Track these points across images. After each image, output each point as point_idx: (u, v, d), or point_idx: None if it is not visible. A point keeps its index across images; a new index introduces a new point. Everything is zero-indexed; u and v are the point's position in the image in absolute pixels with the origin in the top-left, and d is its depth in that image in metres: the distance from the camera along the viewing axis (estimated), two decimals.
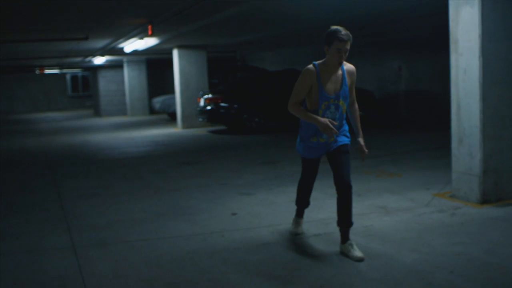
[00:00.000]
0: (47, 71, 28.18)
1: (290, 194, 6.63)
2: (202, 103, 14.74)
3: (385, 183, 7.11)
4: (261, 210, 6.01)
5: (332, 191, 4.85)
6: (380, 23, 12.59)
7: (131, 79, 23.34)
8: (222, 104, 14.26)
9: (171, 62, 19.03)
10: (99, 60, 21.75)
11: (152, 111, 22.56)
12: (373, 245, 4.62)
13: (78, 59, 21.28)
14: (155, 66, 24.61)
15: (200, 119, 15.09)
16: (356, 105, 4.66)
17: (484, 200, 5.76)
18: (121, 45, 15.53)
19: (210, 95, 14.46)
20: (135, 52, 18.38)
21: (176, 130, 16.17)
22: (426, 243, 4.58)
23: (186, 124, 16.41)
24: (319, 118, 4.26)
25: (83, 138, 15.01)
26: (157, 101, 20.54)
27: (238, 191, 6.99)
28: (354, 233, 4.94)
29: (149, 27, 10.75)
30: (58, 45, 14.09)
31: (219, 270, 4.22)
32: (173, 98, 18.64)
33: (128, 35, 13.21)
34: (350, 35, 4.21)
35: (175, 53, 16.45)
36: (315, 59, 4.57)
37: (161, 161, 10.03)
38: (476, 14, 5.60)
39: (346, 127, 4.59)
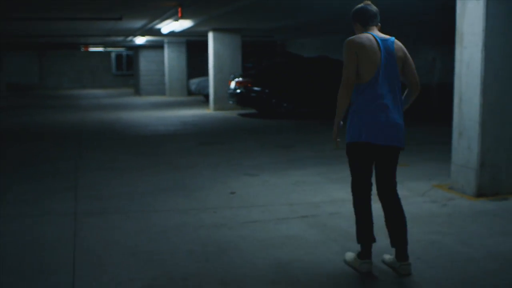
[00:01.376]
0: (92, 49, 28.90)
1: (292, 177, 6.81)
2: (232, 86, 14.97)
3: None
4: (259, 190, 6.20)
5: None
6: (415, 13, 12.51)
7: (171, 60, 23.77)
8: (252, 88, 14.46)
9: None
10: (140, 40, 22.23)
11: (189, 92, 22.96)
12: (351, 229, 4.76)
13: (120, 38, 21.81)
14: (195, 48, 24.93)
15: (230, 102, 15.34)
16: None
17: (480, 193, 5.79)
18: (158, 26, 15.89)
19: (240, 78, 14.68)
20: (174, 34, 18.74)
21: (208, 112, 16.47)
22: None
23: (218, 106, 16.69)
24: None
25: (117, 116, 15.47)
26: (193, 83, 20.89)
27: (245, 172, 7.20)
28: (338, 217, 5.10)
29: (179, 9, 11.01)
30: (98, 24, 14.52)
31: (200, 242, 4.46)
32: (207, 80, 18.94)
33: (162, 17, 13.52)
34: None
35: (210, 35, 16.71)
36: None
37: (184, 140, 10.32)
38: (480, 8, 5.61)
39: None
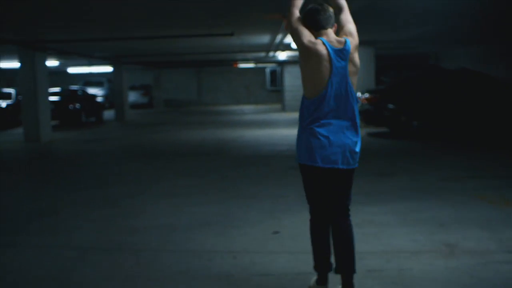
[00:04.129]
0: (241, 65, 29.27)
1: (360, 215, 5.71)
2: (359, 103, 13.85)
3: (492, 212, 5.75)
4: (307, 230, 5.22)
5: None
6: None
7: None
8: (380, 105, 13.21)
9: None
10: (282, 56, 21.94)
11: None
12: None
13: (262, 54, 21.65)
14: None
15: None
16: None
17: None
18: (286, 41, 15.34)
19: (367, 94, 13.51)
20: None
21: None
22: None
23: None
24: None
25: (241, 133, 15.14)
26: None
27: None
28: (380, 277, 4.00)
29: (284, 21, 10.30)
30: (218, 40, 14.34)
31: None
32: None
33: (281, 31, 12.92)
34: None
35: None
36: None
37: (279, 163, 9.53)
38: None
39: None
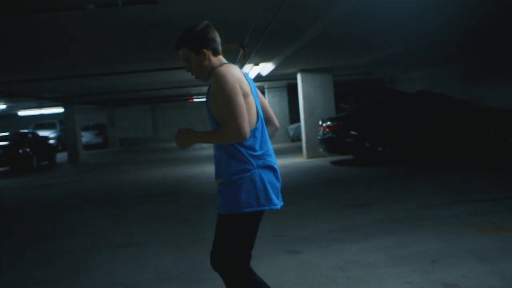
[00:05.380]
0: (196, 99, 28.74)
1: (343, 255, 5.16)
2: (321, 131, 13.45)
3: (485, 241, 5.27)
4: (290, 277, 4.63)
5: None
6: None
7: (272, 105, 22.69)
8: (342, 132, 12.82)
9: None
10: None
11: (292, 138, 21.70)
12: None
13: None
14: (296, 91, 23.73)
15: (321, 149, 13.79)
16: (227, 126, 2.80)
17: None
18: (243, 70, 14.91)
19: (329, 122, 13.12)
20: (269, 78, 17.73)
21: (300, 160, 15.04)
22: None
23: (311, 153, 15.20)
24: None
25: (201, 169, 14.49)
26: (291, 129, 19.66)
27: (286, 248, 5.64)
28: None
29: (241, 51, 9.85)
30: (175, 74, 13.83)
31: None
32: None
33: (236, 61, 12.47)
34: (184, 38, 2.91)
35: (299, 77, 15.39)
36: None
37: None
38: None
39: (231, 169, 2.90)
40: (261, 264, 5.06)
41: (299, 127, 18.91)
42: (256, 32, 8.51)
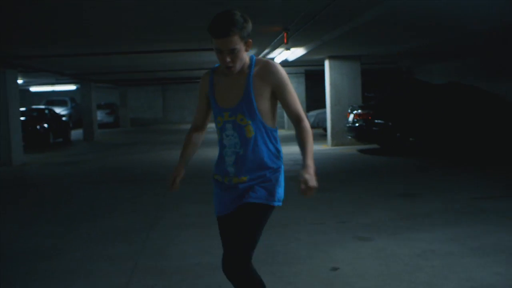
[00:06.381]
0: None
1: (417, 244, 5.13)
2: (351, 118, 13.39)
3: None
4: (371, 265, 4.59)
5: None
6: None
7: None
8: (373, 121, 12.77)
9: None
10: None
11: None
12: None
13: None
14: (314, 78, 23.66)
15: (349, 137, 13.74)
16: (304, 123, 2.80)
17: None
18: (270, 56, 14.82)
19: (359, 111, 13.06)
20: (291, 63, 17.61)
21: (324, 148, 14.99)
22: None
23: (336, 141, 15.14)
24: (177, 165, 2.98)
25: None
26: (311, 115, 19.56)
27: (355, 234, 5.61)
28: None
29: (285, 34, 9.76)
30: (206, 55, 13.72)
31: None
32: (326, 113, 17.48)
33: (271, 45, 12.38)
34: (237, 25, 2.60)
35: (326, 64, 15.29)
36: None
37: (287, 184, 8.89)
38: None
39: (269, 165, 2.84)
40: (336, 251, 5.05)
41: (320, 113, 18.84)
42: (307, 15, 8.42)
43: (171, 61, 15.55)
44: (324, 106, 22.78)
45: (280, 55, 14.41)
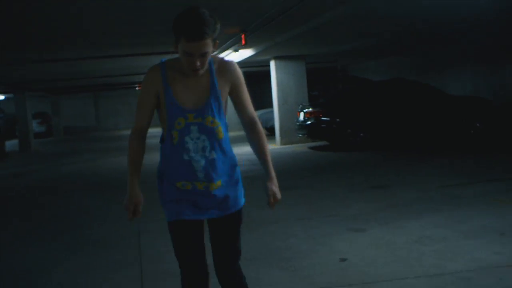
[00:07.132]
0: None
1: (410, 231, 5.37)
2: (301, 117, 13.67)
3: None
4: (377, 254, 4.78)
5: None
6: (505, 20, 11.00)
7: None
8: (323, 118, 13.11)
9: (268, 75, 18.14)
10: None
11: None
12: None
13: None
14: (252, 79, 23.86)
15: (300, 135, 14.03)
16: (259, 127, 2.76)
17: None
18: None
19: (310, 109, 13.37)
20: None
21: (274, 147, 15.19)
22: None
23: (285, 140, 15.39)
24: (133, 188, 2.63)
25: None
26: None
27: (346, 226, 5.79)
28: None
29: (242, 36, 9.86)
30: (154, 59, 13.60)
31: None
32: (271, 112, 17.71)
33: (222, 47, 12.43)
34: (210, 26, 2.38)
35: (272, 64, 15.51)
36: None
37: (255, 184, 8.98)
38: None
39: (236, 162, 2.75)
40: (336, 243, 5.20)
41: (264, 113, 19.02)
42: (268, 17, 8.55)
43: (107, 67, 15.29)
44: (262, 107, 23.07)
45: (227, 57, 14.49)
